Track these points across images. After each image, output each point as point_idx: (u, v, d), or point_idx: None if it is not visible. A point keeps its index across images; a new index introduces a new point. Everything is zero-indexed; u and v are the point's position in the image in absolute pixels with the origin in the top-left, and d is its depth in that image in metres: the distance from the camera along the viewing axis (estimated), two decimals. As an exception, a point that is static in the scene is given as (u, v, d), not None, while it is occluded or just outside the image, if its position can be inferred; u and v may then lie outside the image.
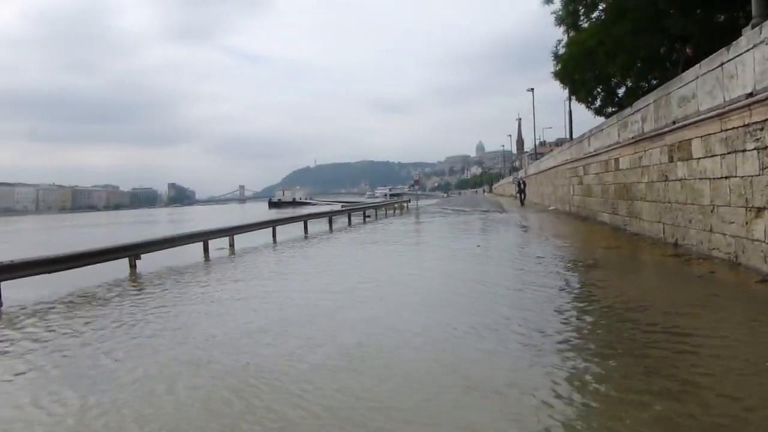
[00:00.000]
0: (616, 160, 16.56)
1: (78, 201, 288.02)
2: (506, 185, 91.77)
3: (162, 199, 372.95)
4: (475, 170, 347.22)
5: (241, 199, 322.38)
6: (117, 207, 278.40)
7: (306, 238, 21.64)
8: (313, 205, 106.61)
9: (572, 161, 25.02)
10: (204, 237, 16.14)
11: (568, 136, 61.75)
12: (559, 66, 25.93)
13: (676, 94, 11.21)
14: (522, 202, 37.54)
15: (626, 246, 12.68)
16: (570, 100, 32.20)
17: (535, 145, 66.03)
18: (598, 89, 34.30)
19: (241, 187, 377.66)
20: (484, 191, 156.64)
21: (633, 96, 31.67)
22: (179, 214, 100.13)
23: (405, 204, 52.78)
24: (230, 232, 17.63)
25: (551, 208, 31.41)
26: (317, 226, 26.93)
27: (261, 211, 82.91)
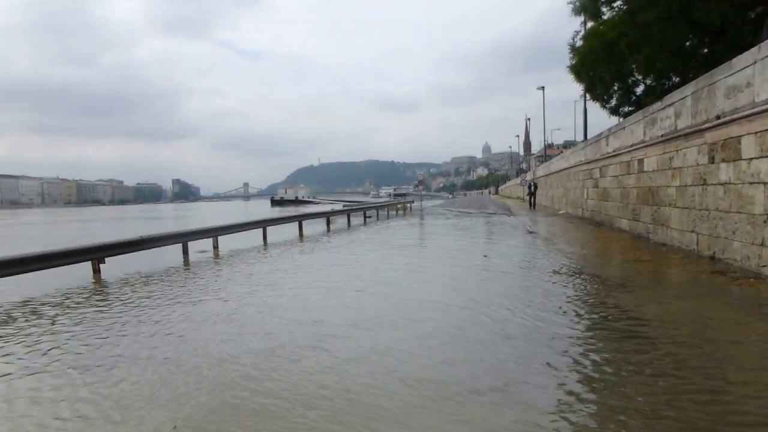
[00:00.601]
0: (640, 161, 14.91)
1: (83, 195, 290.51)
2: (513, 187, 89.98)
3: (167, 194, 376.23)
4: (481, 171, 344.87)
5: (246, 197, 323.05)
6: (122, 202, 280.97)
7: (301, 240, 20.17)
8: (316, 204, 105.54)
9: (587, 162, 23.36)
10: (182, 239, 14.61)
11: (576, 138, 60.01)
12: (576, 59, 24.26)
13: (723, 83, 9.56)
14: (532, 205, 35.64)
15: (655, 259, 11.02)
16: (585, 97, 30.47)
17: (544, 145, 64.32)
18: (615, 87, 32.74)
19: (246, 185, 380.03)
20: (489, 193, 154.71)
21: (653, 95, 29.95)
22: (184, 210, 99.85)
23: (408, 205, 51.20)
24: (213, 233, 16.07)
25: (562, 211, 29.73)
26: (315, 227, 25.42)
27: (263, 209, 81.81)
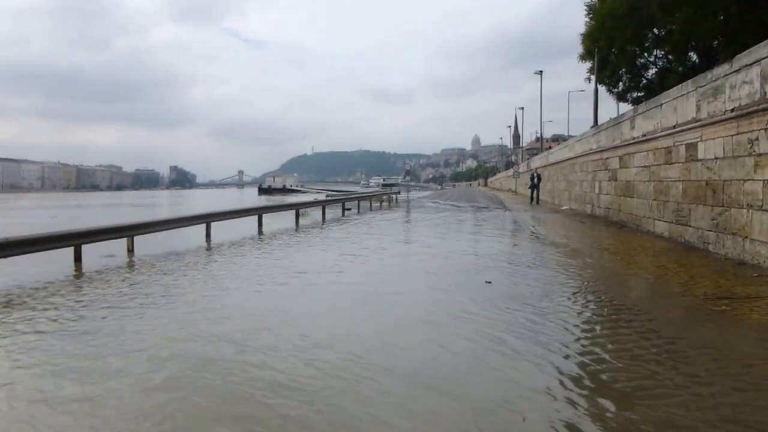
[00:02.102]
0: (691, 147, 11.26)
1: (82, 180, 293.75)
2: (504, 179, 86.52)
3: (164, 181, 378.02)
4: (471, 163, 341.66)
5: (240, 184, 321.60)
6: (120, 188, 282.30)
7: (260, 237, 16.48)
8: (303, 192, 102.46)
9: (599, 151, 19.72)
10: (74, 240, 10.74)
11: (571, 132, 56.43)
12: (593, 24, 20.50)
13: None
14: (535, 200, 31.07)
15: (759, 292, 7.28)
16: (595, 72, 26.73)
17: (540, 134, 60.54)
18: (623, 70, 29.14)
19: (240, 172, 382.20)
20: (479, 185, 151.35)
21: (670, 77, 26.38)
22: (178, 197, 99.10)
23: (394, 196, 47.44)
24: (124, 232, 12.14)
25: (564, 207, 26.15)
26: (281, 222, 21.65)
27: (249, 197, 77.88)
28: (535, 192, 30.83)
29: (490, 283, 7.87)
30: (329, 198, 37.44)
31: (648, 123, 14.23)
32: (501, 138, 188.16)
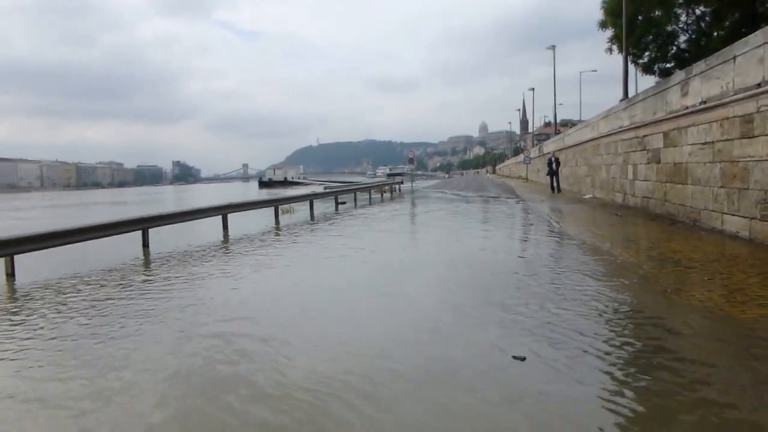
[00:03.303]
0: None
1: (83, 178, 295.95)
2: (513, 165, 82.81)
3: (167, 176, 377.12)
4: (478, 150, 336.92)
5: (245, 178, 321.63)
6: (121, 184, 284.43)
7: (225, 243, 13.40)
8: (305, 185, 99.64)
9: (634, 128, 16.28)
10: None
11: (583, 117, 52.22)
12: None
13: None
14: (555, 189, 26.87)
15: None
16: (625, 37, 23.08)
17: (554, 114, 56.51)
18: (650, 38, 25.53)
19: (245, 166, 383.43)
20: (487, 172, 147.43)
21: (709, 40, 22.76)
22: (181, 192, 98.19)
23: (397, 186, 44.06)
24: (9, 247, 8.93)
25: (587, 196, 22.72)
26: (266, 218, 18.53)
27: (247, 191, 74.85)
28: (554, 179, 26.93)
29: (521, 360, 4.55)
30: (327, 191, 34.16)
31: (711, 85, 10.80)
32: (510, 123, 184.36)
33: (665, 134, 13.59)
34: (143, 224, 12.95)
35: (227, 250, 12.17)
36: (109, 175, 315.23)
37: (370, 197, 32.94)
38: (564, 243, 10.73)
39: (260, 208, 19.27)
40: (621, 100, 19.12)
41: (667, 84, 13.47)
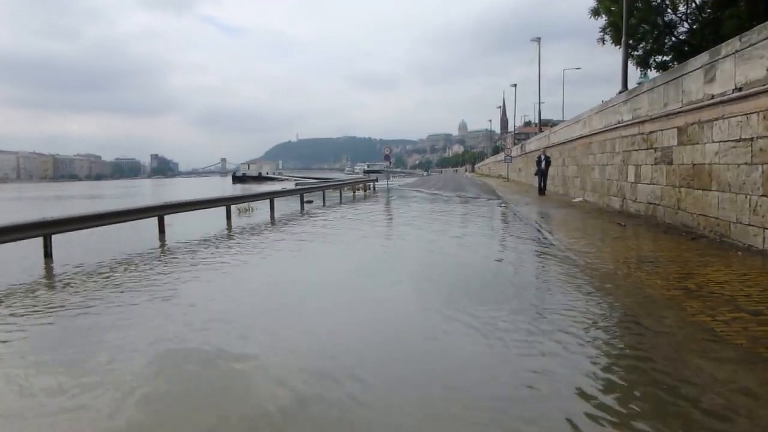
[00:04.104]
0: None
1: (60, 170, 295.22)
2: (493, 164, 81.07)
3: (145, 170, 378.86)
4: (457, 149, 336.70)
5: (223, 172, 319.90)
6: (99, 177, 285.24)
7: (162, 248, 10.87)
8: (280, 180, 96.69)
9: (637, 122, 14.11)
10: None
11: (566, 117, 49.65)
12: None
13: None
14: (542, 190, 24.60)
15: None
16: (627, 22, 20.94)
17: (539, 110, 54.56)
18: (645, 28, 23.52)
19: (223, 160, 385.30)
20: (465, 170, 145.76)
21: (709, 34, 20.78)
22: (157, 186, 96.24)
23: (371, 184, 41.62)
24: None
25: (577, 200, 20.58)
26: (209, 224, 16.01)
27: (225, 187, 71.63)
28: (543, 180, 24.55)
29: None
30: (294, 188, 31.56)
31: (750, 67, 8.58)
32: (490, 121, 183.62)
33: (680, 130, 11.41)
34: (43, 229, 10.33)
35: (134, 267, 9.60)
36: (86, 168, 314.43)
37: (341, 196, 30.47)
38: (564, 265, 8.42)
39: (206, 207, 16.62)
40: (620, 92, 16.98)
41: (684, 69, 11.26)
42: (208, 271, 8.77)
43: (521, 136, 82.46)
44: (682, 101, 11.26)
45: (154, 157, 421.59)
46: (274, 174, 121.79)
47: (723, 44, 9.73)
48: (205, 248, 11.32)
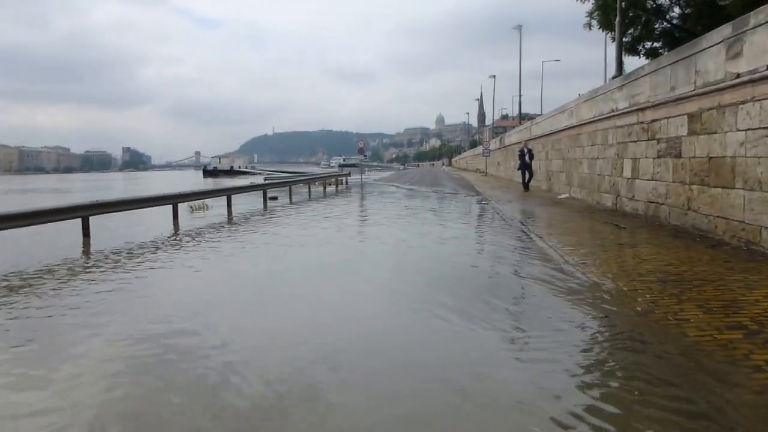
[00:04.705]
0: None
1: (26, 162, 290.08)
2: (471, 158, 79.72)
3: (116, 163, 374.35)
4: (434, 142, 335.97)
5: (197, 166, 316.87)
6: (68, 170, 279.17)
7: (90, 254, 8.74)
8: (252, 174, 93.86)
9: (635, 110, 12.46)
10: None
11: (544, 111, 48.46)
12: None
13: None
14: (526, 186, 22.66)
15: None
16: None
17: (519, 101, 53.02)
18: (635, 13, 21.97)
19: (197, 153, 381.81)
20: (443, 164, 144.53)
21: (704, 18, 19.32)
22: (123, 180, 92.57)
23: (344, 178, 39.68)
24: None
25: (563, 196, 18.97)
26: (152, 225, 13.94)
27: (194, 181, 68.57)
28: (526, 174, 22.68)
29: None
30: (257, 184, 29.35)
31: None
32: (468, 113, 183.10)
33: (692, 117, 9.75)
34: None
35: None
36: (54, 160, 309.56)
37: (309, 192, 28.44)
38: (565, 284, 6.67)
39: (147, 206, 14.48)
40: (614, 77, 15.35)
41: (698, 46, 9.58)
42: (121, 300, 6.78)
43: (498, 130, 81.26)
44: (695, 83, 9.59)
45: (126, 149, 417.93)
46: (246, 168, 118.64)
47: (751, 13, 8.04)
48: (137, 257, 9.29)
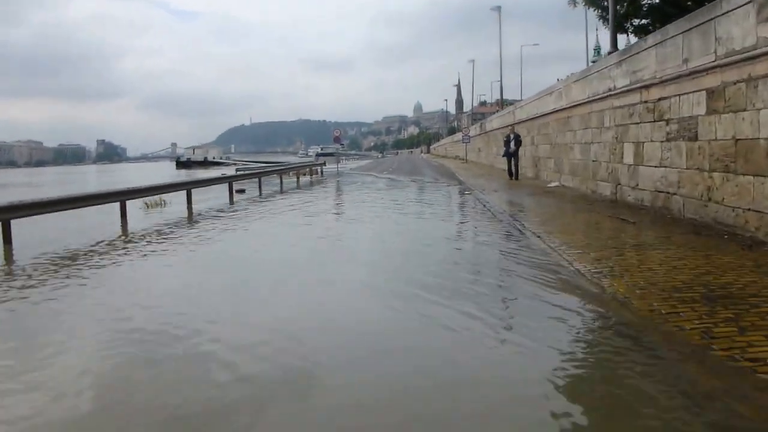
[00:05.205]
0: None
1: None
2: (450, 145, 78.48)
3: (90, 156, 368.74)
4: (413, 130, 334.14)
5: (173, 157, 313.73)
6: (40, 164, 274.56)
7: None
8: (227, 165, 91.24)
9: (637, 88, 11.07)
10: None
11: (524, 96, 47.21)
12: None
13: None
14: (513, 174, 20.90)
15: None
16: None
17: (501, 85, 51.38)
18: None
19: (173, 145, 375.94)
20: (421, 152, 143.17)
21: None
22: (95, 173, 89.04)
23: (319, 168, 37.92)
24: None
25: (553, 184, 17.63)
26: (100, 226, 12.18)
27: (164, 172, 65.89)
28: (513, 162, 21.01)
29: None
30: (216, 177, 27.48)
31: None
32: (446, 100, 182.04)
33: (711, 92, 8.36)
34: None
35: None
36: (26, 154, 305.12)
37: (281, 183, 26.70)
38: (585, 305, 5.25)
39: (85, 206, 12.63)
40: (609, 53, 13.94)
41: (717, 10, 8.16)
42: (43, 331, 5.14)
43: (477, 116, 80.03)
44: (715, 53, 8.19)
45: (101, 142, 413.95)
46: (221, 158, 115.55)
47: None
48: (66, 271, 7.60)
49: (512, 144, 20.69)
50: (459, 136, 56.88)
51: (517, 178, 20.55)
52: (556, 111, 17.79)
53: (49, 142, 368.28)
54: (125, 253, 9.02)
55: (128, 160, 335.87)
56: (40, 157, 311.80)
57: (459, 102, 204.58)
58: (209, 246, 9.81)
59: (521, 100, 35.76)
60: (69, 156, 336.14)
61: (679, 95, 9.39)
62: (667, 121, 9.87)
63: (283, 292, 6.40)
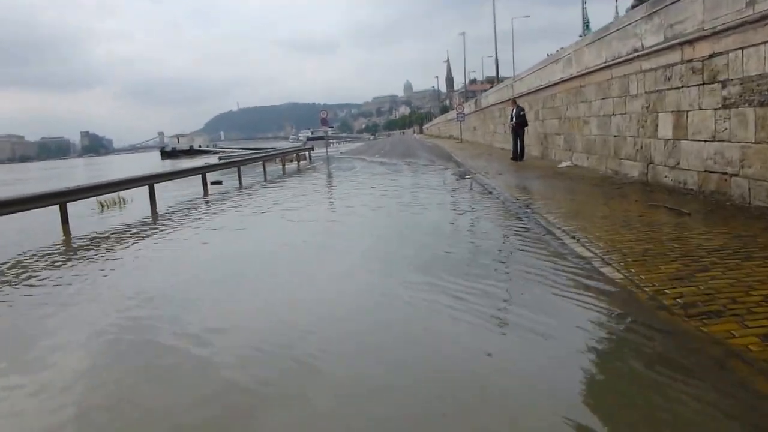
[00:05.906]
0: None
1: None
2: (443, 124, 76.15)
3: (75, 149, 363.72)
4: (404, 110, 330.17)
5: (162, 147, 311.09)
6: (24, 159, 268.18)
7: None
8: (214, 153, 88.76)
9: (671, 47, 9.00)
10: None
11: (513, 72, 43.50)
12: None
13: None
14: (518, 155, 18.42)
15: None
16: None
17: (495, 59, 48.73)
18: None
19: (160, 134, 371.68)
20: (414, 132, 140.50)
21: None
22: (83, 166, 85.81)
23: (306, 153, 35.67)
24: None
25: (564, 164, 15.58)
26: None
27: (148, 162, 63.37)
28: (518, 142, 18.54)
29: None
30: (186, 168, 25.23)
31: None
32: (437, 77, 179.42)
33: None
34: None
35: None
36: (8, 150, 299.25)
37: (264, 172, 24.51)
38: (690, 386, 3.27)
39: (21, 210, 10.52)
40: (632, 7, 11.82)
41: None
42: None
43: (468, 94, 77.57)
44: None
45: (85, 134, 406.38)
46: (207, 147, 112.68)
47: None
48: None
49: (513, 120, 18.43)
50: (452, 114, 54.57)
51: (522, 159, 18.43)
52: (565, 80, 15.67)
53: (30, 135, 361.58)
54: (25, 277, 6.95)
55: (116, 151, 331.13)
56: (23, 152, 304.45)
57: (449, 79, 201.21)
58: (122, 287, 7.76)
59: (513, 76, 33.53)
60: (53, 150, 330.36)
61: (743, 48, 7.34)
62: (724, 83, 7.83)
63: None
